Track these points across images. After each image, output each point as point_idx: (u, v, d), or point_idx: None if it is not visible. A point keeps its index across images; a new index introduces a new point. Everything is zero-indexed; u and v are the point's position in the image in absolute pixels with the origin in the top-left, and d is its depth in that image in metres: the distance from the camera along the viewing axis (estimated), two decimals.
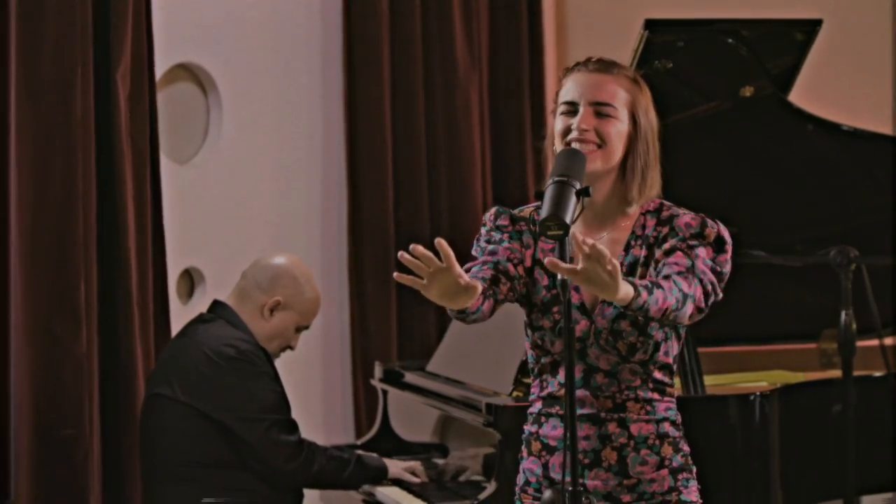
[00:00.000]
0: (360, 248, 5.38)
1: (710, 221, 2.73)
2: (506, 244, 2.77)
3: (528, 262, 2.79)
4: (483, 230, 2.84)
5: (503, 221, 2.82)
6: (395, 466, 4.10)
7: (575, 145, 2.68)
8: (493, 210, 2.86)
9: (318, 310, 4.22)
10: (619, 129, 2.71)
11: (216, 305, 4.15)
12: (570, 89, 2.73)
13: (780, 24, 4.51)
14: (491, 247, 2.78)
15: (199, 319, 4.13)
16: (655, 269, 2.70)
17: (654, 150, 2.75)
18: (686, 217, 2.73)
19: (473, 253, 2.83)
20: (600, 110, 2.70)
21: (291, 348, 4.21)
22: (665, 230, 2.72)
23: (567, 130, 2.70)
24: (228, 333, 4.02)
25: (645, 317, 2.58)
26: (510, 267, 2.75)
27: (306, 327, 4.21)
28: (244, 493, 3.94)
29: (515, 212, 2.84)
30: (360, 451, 4.12)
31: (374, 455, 4.13)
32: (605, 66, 2.73)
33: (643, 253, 2.73)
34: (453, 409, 4.01)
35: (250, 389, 3.94)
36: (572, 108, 2.71)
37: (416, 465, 4.12)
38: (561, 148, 2.70)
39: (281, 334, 4.12)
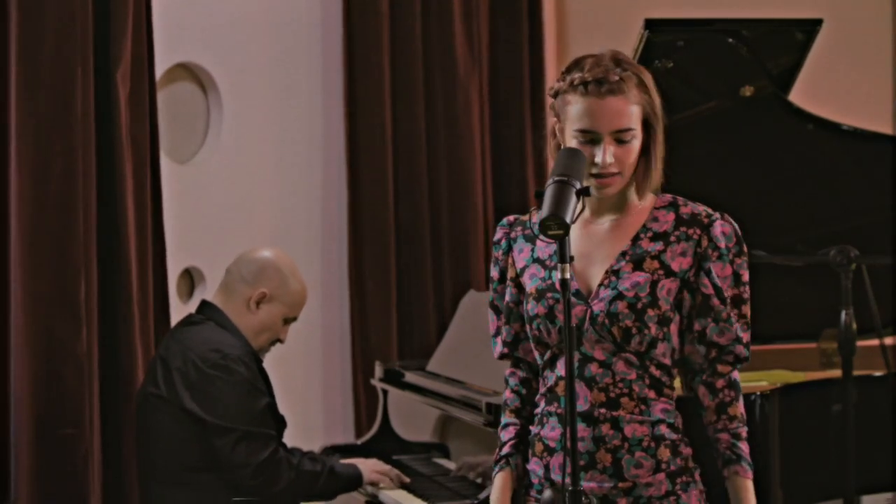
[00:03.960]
0: (360, 248, 5.38)
1: (735, 225, 2.78)
2: (506, 296, 2.86)
3: (520, 264, 2.82)
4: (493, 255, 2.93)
5: (497, 236, 2.89)
6: (371, 473, 4.07)
7: (593, 182, 2.68)
8: (497, 228, 2.93)
9: (305, 301, 4.17)
10: (635, 150, 2.71)
11: (205, 306, 4.13)
12: (585, 116, 2.68)
13: (780, 24, 4.52)
14: (500, 307, 2.89)
15: (188, 321, 4.10)
16: (700, 303, 2.74)
17: (662, 145, 2.77)
18: (717, 224, 2.75)
19: (493, 292, 2.90)
20: (621, 137, 2.69)
21: (281, 341, 4.17)
22: (700, 235, 2.74)
23: (590, 162, 2.67)
24: (217, 337, 3.99)
25: None
26: (513, 308, 2.86)
27: (294, 319, 4.16)
28: (241, 497, 3.92)
29: (523, 216, 2.88)
30: (334, 461, 4.08)
31: (351, 463, 4.09)
32: (616, 87, 2.68)
33: (657, 247, 2.73)
34: (453, 409, 4.01)
35: (227, 398, 3.89)
36: (592, 137, 2.68)
37: (390, 470, 4.11)
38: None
39: (269, 327, 4.10)
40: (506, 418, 2.88)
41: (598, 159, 2.67)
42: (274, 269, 4.11)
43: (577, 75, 2.70)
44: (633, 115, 2.70)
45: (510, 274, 2.85)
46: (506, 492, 2.82)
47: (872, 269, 4.22)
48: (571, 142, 2.70)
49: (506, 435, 2.86)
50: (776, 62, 4.47)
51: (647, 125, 2.73)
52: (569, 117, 2.71)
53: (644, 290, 2.69)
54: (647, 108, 2.72)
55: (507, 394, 2.89)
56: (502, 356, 2.89)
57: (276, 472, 3.89)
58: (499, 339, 2.89)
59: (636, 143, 2.71)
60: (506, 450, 2.84)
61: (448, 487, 4.04)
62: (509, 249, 2.85)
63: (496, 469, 2.84)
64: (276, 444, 3.92)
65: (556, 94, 2.75)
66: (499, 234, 2.88)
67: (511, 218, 2.90)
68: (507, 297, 2.85)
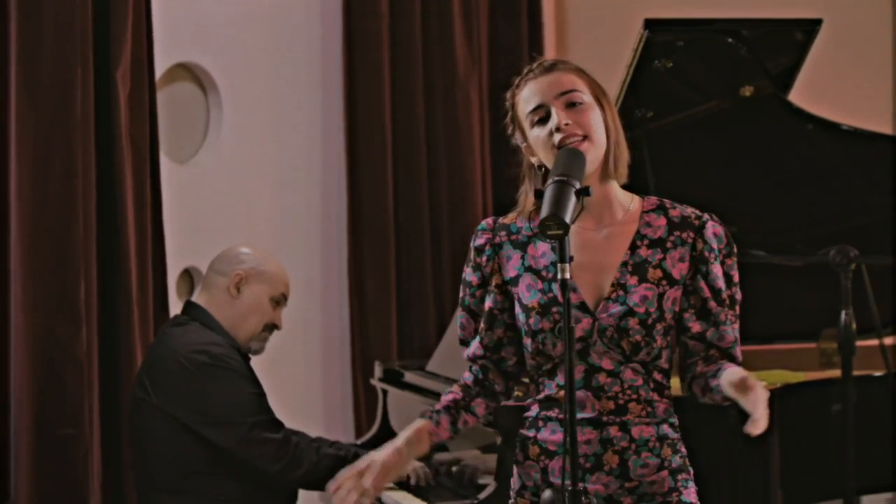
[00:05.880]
0: (360, 248, 5.38)
1: (725, 229, 2.77)
2: (488, 301, 2.80)
3: (510, 273, 2.79)
4: (468, 258, 2.85)
5: (480, 241, 2.83)
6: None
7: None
8: (476, 231, 2.86)
9: (286, 279, 4.13)
10: (595, 117, 2.72)
11: (188, 306, 4.11)
12: (531, 97, 2.75)
13: (780, 24, 4.52)
14: (477, 311, 2.83)
15: (173, 322, 4.09)
16: (697, 303, 2.72)
17: (618, 124, 2.77)
18: (708, 226, 2.74)
19: (462, 296, 2.85)
20: (570, 99, 2.71)
21: (277, 327, 4.15)
22: (694, 238, 2.72)
23: (550, 134, 2.70)
24: (201, 337, 3.96)
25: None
26: (496, 315, 2.80)
27: (282, 298, 4.13)
28: (236, 501, 3.91)
29: (502, 218, 2.85)
30: (358, 448, 4.06)
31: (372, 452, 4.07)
32: (551, 66, 2.78)
33: (656, 255, 2.72)
34: None
35: (227, 394, 3.87)
36: (543, 113, 2.72)
37: (417, 466, 4.09)
38: (549, 155, 2.70)
39: (256, 309, 4.06)
40: (452, 388, 2.83)
41: (552, 124, 2.69)
42: (246, 253, 4.11)
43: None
44: (576, 82, 2.73)
45: (496, 280, 2.80)
46: (419, 436, 2.76)
47: (872, 269, 4.22)
48: (532, 132, 2.73)
49: (445, 397, 2.81)
50: (776, 62, 4.48)
51: (599, 105, 2.74)
52: (523, 114, 2.77)
53: (653, 304, 2.69)
54: (593, 86, 2.75)
55: (465, 373, 2.85)
56: (475, 358, 2.84)
57: (298, 453, 3.87)
58: (476, 343, 2.83)
59: (592, 111, 2.72)
60: (438, 406, 2.79)
61: (448, 487, 4.04)
62: (495, 255, 2.81)
63: (420, 417, 2.79)
64: (283, 426, 3.92)
65: (512, 121, 2.82)
66: (481, 240, 2.83)
67: (490, 221, 2.86)
68: (490, 303, 2.81)
